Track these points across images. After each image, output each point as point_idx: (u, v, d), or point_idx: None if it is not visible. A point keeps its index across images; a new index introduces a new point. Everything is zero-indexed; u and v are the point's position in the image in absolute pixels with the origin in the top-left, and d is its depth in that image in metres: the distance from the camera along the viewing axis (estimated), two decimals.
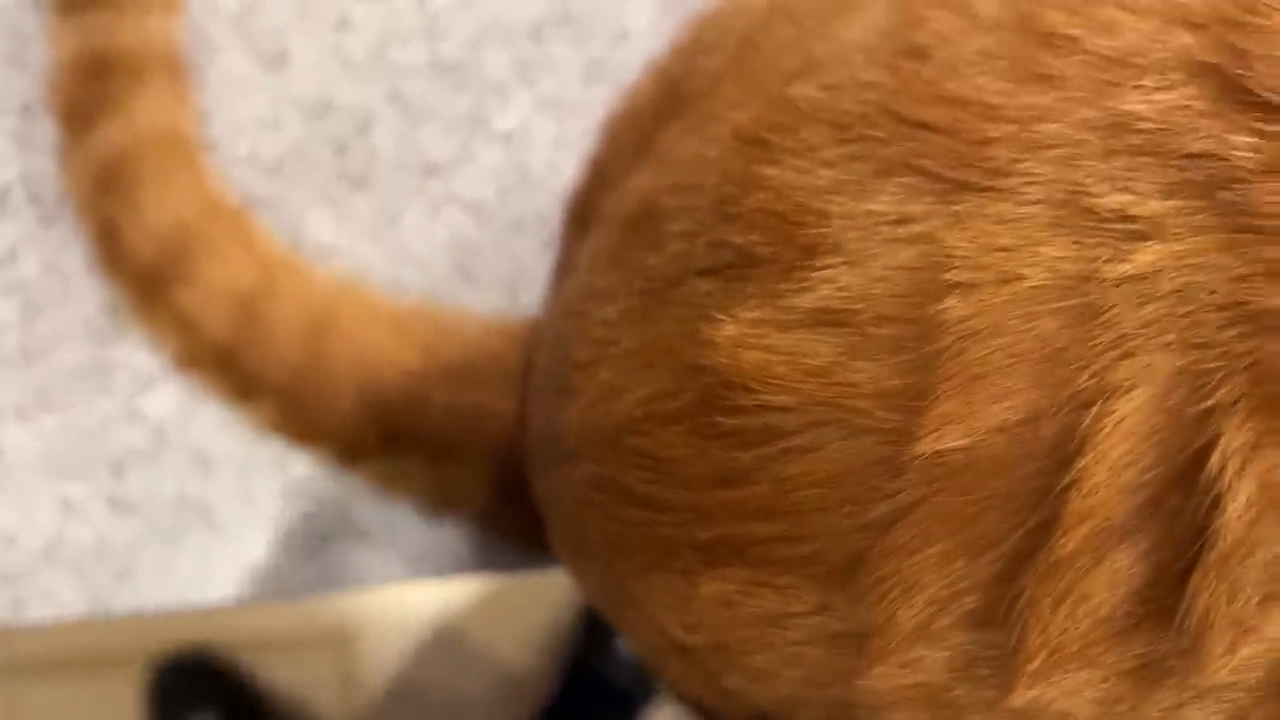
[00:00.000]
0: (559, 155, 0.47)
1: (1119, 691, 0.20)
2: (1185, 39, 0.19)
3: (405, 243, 0.47)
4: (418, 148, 0.47)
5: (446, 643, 0.98)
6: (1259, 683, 0.19)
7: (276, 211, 0.47)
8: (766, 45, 0.26)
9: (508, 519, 0.45)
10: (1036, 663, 0.19)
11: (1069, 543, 0.19)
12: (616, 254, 0.26)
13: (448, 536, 0.46)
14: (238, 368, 0.45)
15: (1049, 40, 0.20)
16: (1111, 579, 0.19)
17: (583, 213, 0.34)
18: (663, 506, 0.23)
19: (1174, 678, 0.19)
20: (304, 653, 0.96)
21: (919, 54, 0.21)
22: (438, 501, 0.45)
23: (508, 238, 0.47)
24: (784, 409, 0.21)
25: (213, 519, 0.47)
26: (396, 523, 0.46)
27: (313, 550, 0.47)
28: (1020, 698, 0.20)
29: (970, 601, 0.20)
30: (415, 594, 0.98)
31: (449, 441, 0.43)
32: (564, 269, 0.34)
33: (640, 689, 0.92)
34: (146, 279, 0.45)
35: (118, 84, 0.45)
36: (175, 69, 0.46)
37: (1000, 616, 0.20)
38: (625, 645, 0.90)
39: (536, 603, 0.99)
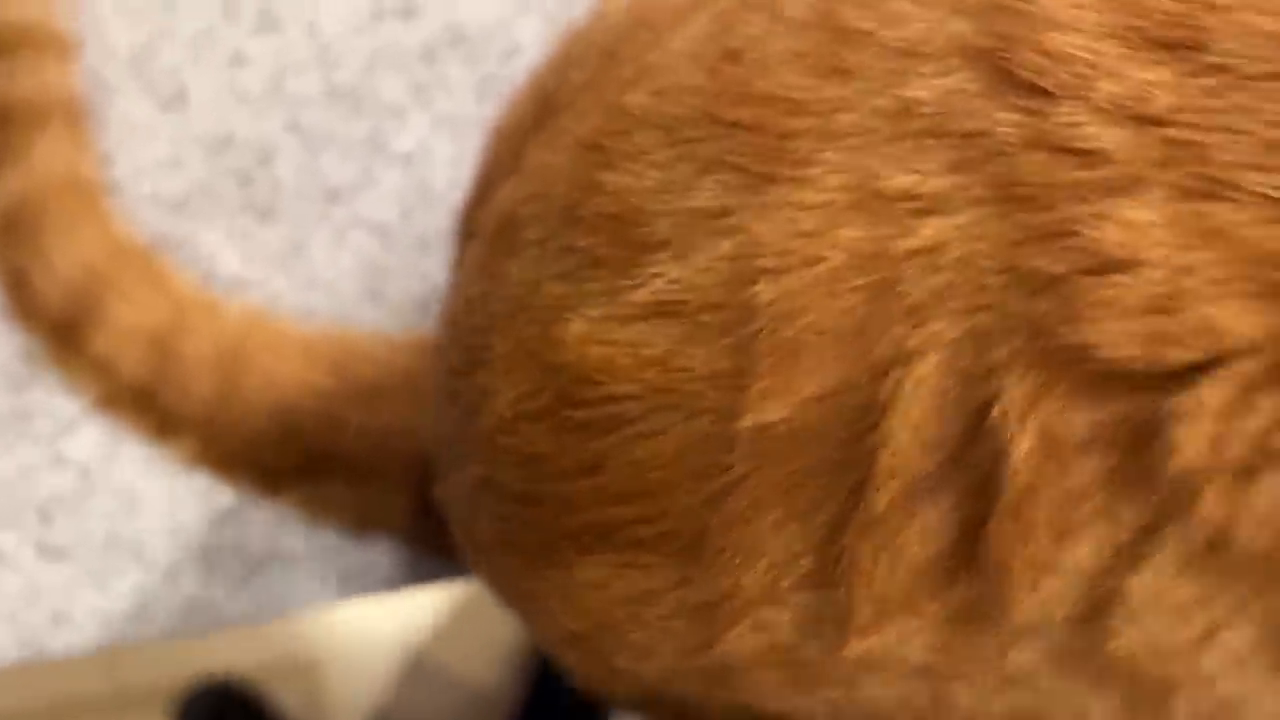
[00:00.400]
0: (459, 172, 0.48)
1: (946, 638, 0.21)
2: (960, 26, 0.21)
3: (314, 269, 0.48)
4: (320, 175, 0.48)
5: (411, 663, 0.98)
6: (1068, 617, 0.21)
7: (185, 248, 0.48)
8: (621, 57, 0.27)
9: (432, 534, 0.46)
10: (864, 616, 0.21)
11: (881, 500, 0.20)
12: (484, 263, 0.28)
13: (378, 556, 0.47)
14: (156, 406, 0.46)
15: (847, 35, 0.22)
16: (924, 532, 0.20)
17: (469, 225, 0.35)
18: (537, 501, 0.25)
19: (991, 621, 0.21)
20: (268, 681, 0.96)
21: (733, 56, 0.23)
22: (362, 522, 0.46)
23: (414, 257, 0.48)
24: (629, 397, 0.22)
25: (144, 556, 0.47)
26: (325, 546, 0.47)
27: (245, 578, 0.47)
28: (855, 650, 0.21)
29: (806, 564, 0.21)
30: (376, 615, 0.98)
31: (366, 462, 0.44)
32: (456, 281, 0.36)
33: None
34: (59, 325, 0.46)
35: (15, 133, 0.46)
36: (73, 114, 0.47)
37: (832, 576, 0.21)
38: None
39: (499, 619, 0.99)
